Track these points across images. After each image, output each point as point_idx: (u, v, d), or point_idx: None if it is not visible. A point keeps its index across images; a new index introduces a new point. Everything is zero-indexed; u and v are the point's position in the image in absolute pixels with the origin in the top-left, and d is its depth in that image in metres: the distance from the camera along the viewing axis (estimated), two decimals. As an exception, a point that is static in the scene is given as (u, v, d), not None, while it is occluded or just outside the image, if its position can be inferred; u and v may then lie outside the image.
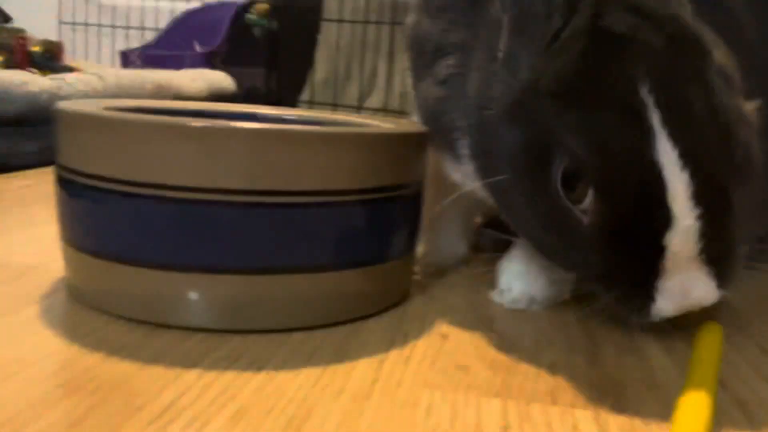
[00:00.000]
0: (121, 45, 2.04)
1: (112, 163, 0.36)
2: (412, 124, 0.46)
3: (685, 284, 0.34)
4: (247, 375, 0.32)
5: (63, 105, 0.40)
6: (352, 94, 1.51)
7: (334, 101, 1.49)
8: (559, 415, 0.31)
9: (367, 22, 1.47)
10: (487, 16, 0.39)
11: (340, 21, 1.49)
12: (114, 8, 2.10)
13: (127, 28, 2.08)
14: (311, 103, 1.54)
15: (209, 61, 1.74)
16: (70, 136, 0.39)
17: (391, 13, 1.44)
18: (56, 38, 2.08)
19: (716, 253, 0.34)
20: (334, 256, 0.38)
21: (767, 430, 0.30)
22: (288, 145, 0.36)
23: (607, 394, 0.33)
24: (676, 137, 0.32)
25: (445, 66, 0.43)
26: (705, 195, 0.33)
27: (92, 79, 0.99)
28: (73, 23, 2.10)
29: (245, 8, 1.77)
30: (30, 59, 1.08)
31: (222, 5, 1.91)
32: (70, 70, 1.10)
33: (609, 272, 0.35)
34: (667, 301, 0.34)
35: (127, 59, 1.91)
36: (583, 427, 0.30)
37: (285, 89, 1.61)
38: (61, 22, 2.10)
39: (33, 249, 0.50)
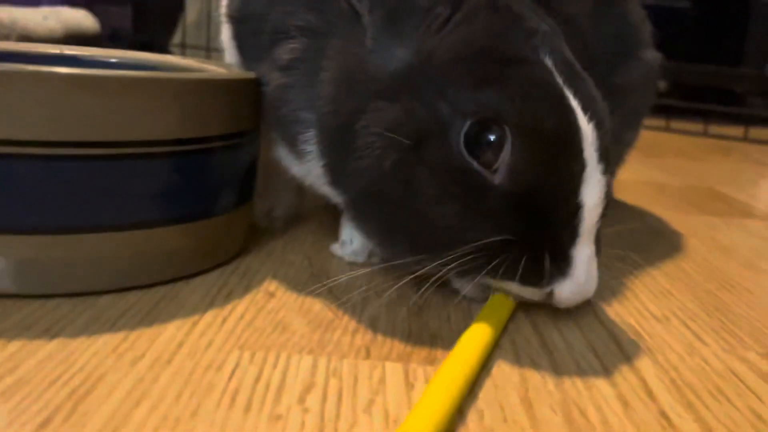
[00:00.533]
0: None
1: None
2: (242, 71, 0.43)
3: (584, 276, 0.33)
4: (37, 343, 0.30)
5: None
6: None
7: (208, 45, 1.42)
8: (368, 370, 0.31)
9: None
10: (338, 5, 0.37)
11: (213, -41, 1.41)
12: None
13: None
14: (183, 47, 1.46)
15: (70, -2, 1.60)
16: None
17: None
18: None
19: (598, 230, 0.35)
20: (148, 212, 0.36)
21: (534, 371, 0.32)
22: (87, 91, 0.33)
23: (422, 346, 0.34)
24: (577, 96, 0.34)
25: (288, 50, 0.39)
26: (603, 152, 0.34)
27: None
28: None
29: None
30: None
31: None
32: None
33: (521, 234, 0.33)
34: (568, 294, 0.34)
35: (-24, -6, 1.73)
36: (391, 380, 0.30)
37: (155, 31, 1.51)
38: None
39: None
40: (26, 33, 1.05)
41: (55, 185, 0.33)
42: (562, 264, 0.33)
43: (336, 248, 0.46)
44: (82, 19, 1.36)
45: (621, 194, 0.73)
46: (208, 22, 1.42)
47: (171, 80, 0.36)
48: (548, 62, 0.34)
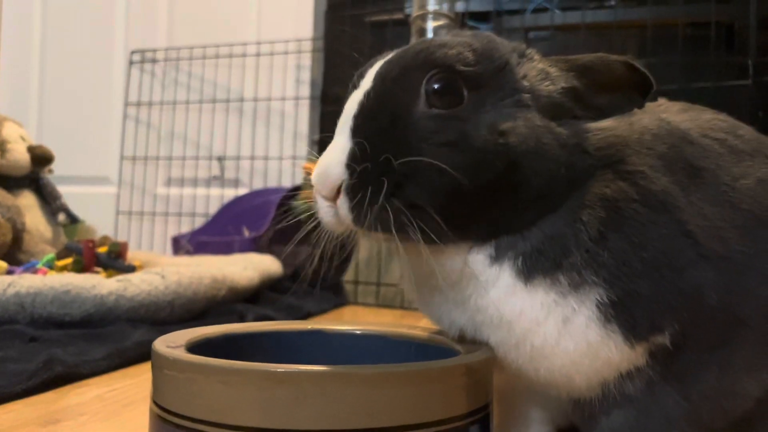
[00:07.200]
0: (173, 230, 2.16)
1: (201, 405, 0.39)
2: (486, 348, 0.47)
3: None
4: None
5: (157, 345, 0.43)
6: (395, 271, 1.56)
7: (378, 280, 1.54)
8: None
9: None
10: None
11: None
12: (167, 197, 2.26)
13: (179, 215, 2.21)
14: (356, 283, 1.59)
15: (256, 244, 1.83)
16: (160, 375, 0.42)
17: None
18: (113, 225, 2.22)
19: None
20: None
21: None
22: (366, 386, 0.38)
23: None
24: None
25: None
26: None
27: (155, 278, 1.05)
28: (130, 212, 2.25)
29: (291, 193, 1.88)
30: (96, 260, 1.16)
31: (268, 191, 2.04)
32: (133, 268, 1.17)
33: None
34: None
35: (177, 244, 2.02)
36: None
37: (329, 269, 1.66)
38: (118, 212, 2.25)
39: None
40: (233, 285, 1.21)
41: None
42: None
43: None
44: (270, 264, 1.54)
45: None
46: (379, 259, 1.55)
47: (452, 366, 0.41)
48: None
